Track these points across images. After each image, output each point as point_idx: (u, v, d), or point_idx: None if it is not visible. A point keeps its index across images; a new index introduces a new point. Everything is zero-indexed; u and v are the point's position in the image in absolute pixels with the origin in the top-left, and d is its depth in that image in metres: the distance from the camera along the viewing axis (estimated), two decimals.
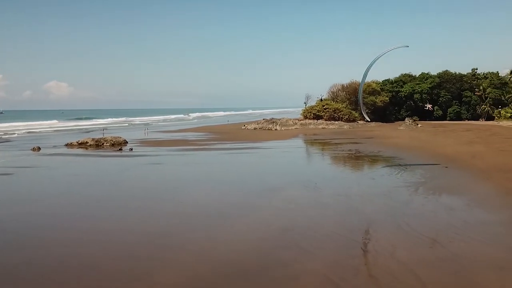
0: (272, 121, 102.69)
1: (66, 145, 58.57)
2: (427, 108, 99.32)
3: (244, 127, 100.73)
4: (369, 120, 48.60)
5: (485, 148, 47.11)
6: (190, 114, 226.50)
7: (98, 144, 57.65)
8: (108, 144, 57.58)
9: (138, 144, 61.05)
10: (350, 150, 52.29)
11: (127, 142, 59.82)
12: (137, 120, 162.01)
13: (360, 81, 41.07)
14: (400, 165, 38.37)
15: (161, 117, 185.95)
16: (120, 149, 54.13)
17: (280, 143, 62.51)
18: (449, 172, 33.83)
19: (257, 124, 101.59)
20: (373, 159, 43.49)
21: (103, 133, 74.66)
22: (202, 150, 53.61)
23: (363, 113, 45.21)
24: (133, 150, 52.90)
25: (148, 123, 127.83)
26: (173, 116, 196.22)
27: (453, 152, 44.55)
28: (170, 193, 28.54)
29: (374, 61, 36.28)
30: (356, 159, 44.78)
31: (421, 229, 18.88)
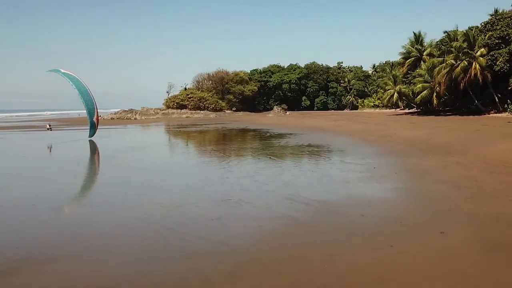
0: (131, 110, 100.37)
1: None
2: None
3: (100, 117, 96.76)
4: None
5: (349, 123, 52.15)
6: (47, 112, 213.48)
7: None
8: None
9: None
10: (216, 127, 53.61)
11: None
12: None
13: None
14: (267, 132, 40.59)
15: (14, 114, 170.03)
16: None
17: (139, 126, 61.70)
18: (316, 134, 36.94)
19: (115, 114, 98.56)
20: (240, 131, 45.38)
21: None
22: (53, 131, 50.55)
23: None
24: None
25: None
26: (26, 114, 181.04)
27: (320, 126, 48.56)
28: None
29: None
30: (223, 131, 46.15)
31: (288, 159, 20.61)
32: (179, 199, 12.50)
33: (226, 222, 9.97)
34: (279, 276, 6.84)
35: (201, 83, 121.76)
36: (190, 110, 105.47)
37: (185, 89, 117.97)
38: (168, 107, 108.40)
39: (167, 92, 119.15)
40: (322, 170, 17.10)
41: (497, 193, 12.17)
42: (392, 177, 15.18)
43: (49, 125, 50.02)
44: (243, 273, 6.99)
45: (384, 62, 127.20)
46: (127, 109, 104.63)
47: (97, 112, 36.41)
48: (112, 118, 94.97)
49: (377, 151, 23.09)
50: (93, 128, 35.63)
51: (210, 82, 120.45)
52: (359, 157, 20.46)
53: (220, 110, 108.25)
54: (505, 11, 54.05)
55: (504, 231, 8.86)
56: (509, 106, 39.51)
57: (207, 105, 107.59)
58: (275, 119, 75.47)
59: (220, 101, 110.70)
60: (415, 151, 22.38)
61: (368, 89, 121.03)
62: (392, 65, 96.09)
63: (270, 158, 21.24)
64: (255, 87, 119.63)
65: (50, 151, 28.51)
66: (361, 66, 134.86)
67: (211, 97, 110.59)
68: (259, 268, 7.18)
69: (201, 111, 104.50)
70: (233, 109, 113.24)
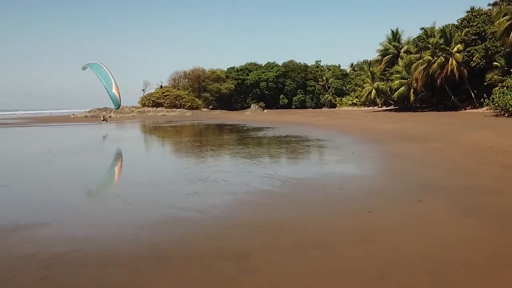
0: (105, 109, 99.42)
1: None
2: None
3: (73, 115, 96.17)
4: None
5: (327, 118, 52.51)
6: (20, 111, 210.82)
7: None
8: None
9: None
10: (193, 124, 53.42)
11: None
12: None
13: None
14: (244, 126, 40.65)
15: None
16: None
17: (114, 123, 61.21)
18: (294, 127, 37.27)
19: (88, 112, 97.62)
20: (217, 126, 45.38)
21: None
22: (31, 126, 49.83)
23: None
24: None
25: None
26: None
27: (299, 121, 48.93)
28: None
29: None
30: (199, 126, 46.05)
31: (266, 147, 20.68)
32: (155, 179, 12.42)
33: (203, 196, 9.94)
34: (256, 236, 6.86)
35: (177, 81, 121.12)
36: (166, 108, 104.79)
37: (161, 87, 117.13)
38: (143, 105, 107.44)
39: (143, 90, 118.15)
40: (300, 155, 17.24)
41: (474, 170, 12.41)
42: (370, 160, 15.36)
43: (103, 117, 57.98)
44: (219, 236, 6.98)
45: (362, 61, 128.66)
46: (101, 107, 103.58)
47: (116, 84, 42.83)
48: (85, 116, 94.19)
49: (355, 140, 23.35)
50: (116, 100, 43.08)
51: (187, 80, 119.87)
52: (338, 145, 20.68)
53: (197, 108, 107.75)
54: (481, 9, 55.18)
55: (478, 199, 9.06)
56: (485, 101, 40.25)
57: (183, 103, 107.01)
58: (252, 116, 75.57)
59: (197, 99, 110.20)
60: (392, 140, 22.68)
61: (346, 87, 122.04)
62: (370, 63, 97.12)
63: (247, 146, 21.27)
64: (232, 85, 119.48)
65: (104, 138, 30.97)
66: (339, 65, 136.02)
67: (187, 95, 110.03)
68: (236, 231, 7.19)
69: (177, 109, 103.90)
70: (209, 107, 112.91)
